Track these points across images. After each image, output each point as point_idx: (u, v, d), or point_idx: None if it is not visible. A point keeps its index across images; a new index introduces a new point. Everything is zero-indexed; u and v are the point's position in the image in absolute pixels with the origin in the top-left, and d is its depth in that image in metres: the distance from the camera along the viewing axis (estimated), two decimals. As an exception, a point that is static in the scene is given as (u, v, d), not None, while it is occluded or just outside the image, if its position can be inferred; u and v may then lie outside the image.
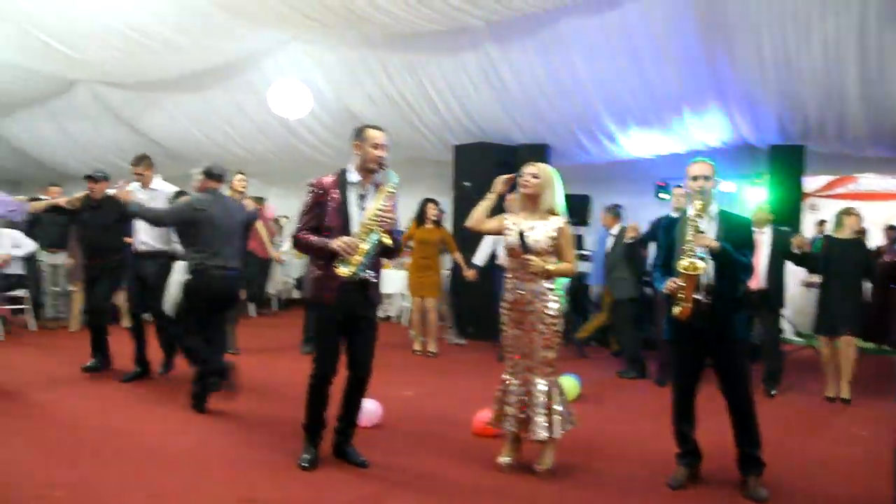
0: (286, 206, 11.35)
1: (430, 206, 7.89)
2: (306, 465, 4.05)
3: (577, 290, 8.40)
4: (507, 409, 4.16)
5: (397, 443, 4.68)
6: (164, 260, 6.23)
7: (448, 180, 9.82)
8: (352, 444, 4.23)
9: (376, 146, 3.98)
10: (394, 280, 9.75)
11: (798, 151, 8.46)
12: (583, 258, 8.49)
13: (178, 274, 5.96)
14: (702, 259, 3.75)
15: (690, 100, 7.94)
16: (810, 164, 8.59)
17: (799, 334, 9.30)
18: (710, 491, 3.98)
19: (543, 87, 8.30)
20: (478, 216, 4.35)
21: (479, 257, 7.85)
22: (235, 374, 5.23)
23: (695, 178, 3.92)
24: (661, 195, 9.61)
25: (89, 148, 13.07)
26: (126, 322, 6.40)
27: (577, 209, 8.47)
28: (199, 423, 4.99)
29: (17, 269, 8.48)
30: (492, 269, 7.78)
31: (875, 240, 9.58)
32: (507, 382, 4.20)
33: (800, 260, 6.52)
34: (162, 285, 6.27)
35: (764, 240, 6.29)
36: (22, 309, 8.66)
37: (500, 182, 4.32)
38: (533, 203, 4.17)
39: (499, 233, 4.30)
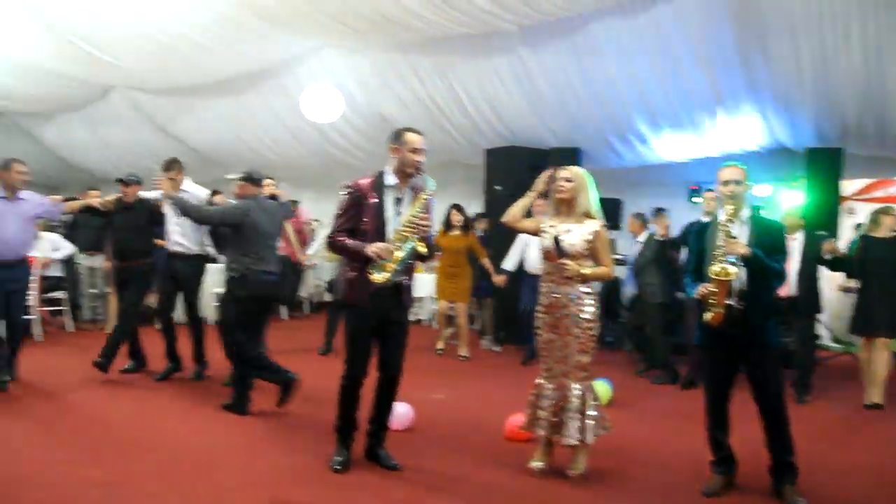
0: (318, 210, 11.41)
1: (454, 212, 7.90)
2: (338, 467, 4.06)
3: (609, 294, 8.34)
4: (541, 413, 4.14)
5: (429, 446, 4.67)
6: (197, 262, 6.32)
7: (479, 184, 9.82)
8: (384, 447, 4.23)
9: (415, 150, 3.97)
10: (424, 283, 9.78)
11: (836, 154, 8.30)
12: (616, 262, 8.42)
13: (213, 277, 6.06)
14: (733, 264, 3.70)
15: (725, 102, 7.83)
16: (848, 166, 8.43)
17: (837, 340, 9.12)
18: (745, 499, 3.92)
19: (575, 90, 8.25)
20: (515, 213, 4.33)
21: (510, 262, 7.83)
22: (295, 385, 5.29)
23: (725, 183, 3.87)
24: (694, 199, 9.51)
25: (124, 153, 13.26)
26: (157, 323, 6.47)
27: (609, 213, 8.37)
28: (232, 424, 5.04)
29: (55, 271, 8.66)
30: (520, 275, 7.77)
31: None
32: (541, 386, 4.18)
33: (832, 265, 6.41)
34: (197, 287, 6.36)
35: (795, 246, 6.19)
36: (60, 310, 8.82)
37: (541, 181, 4.30)
38: (568, 207, 4.15)
39: (534, 233, 4.28)
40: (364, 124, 10.21)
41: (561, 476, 4.10)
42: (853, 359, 7.09)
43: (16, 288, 5.88)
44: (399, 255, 3.88)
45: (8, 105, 12.22)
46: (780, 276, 3.91)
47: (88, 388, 5.94)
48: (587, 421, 4.04)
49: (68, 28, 8.43)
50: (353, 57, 9.17)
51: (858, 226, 9.84)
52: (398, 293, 4.02)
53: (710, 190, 6.68)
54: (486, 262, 8.07)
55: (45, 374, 6.33)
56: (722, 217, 3.82)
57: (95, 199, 6.72)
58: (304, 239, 9.94)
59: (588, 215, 4.13)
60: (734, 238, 3.75)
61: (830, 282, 7.67)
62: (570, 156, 8.74)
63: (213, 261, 8.00)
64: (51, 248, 8.49)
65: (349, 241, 3.97)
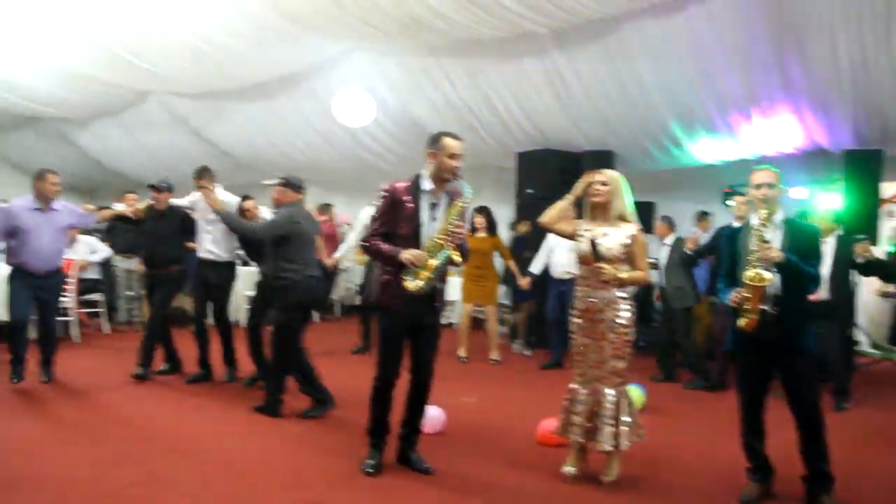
0: (349, 214, 11.46)
1: (477, 216, 7.91)
2: (371, 470, 4.07)
3: (644, 298, 8.26)
4: (575, 418, 4.10)
5: (460, 450, 4.65)
6: (227, 268, 6.38)
7: (511, 187, 9.79)
8: (416, 450, 4.23)
9: (452, 156, 3.95)
10: (456, 287, 9.75)
11: (875, 156, 8.12)
12: (650, 266, 8.35)
13: (245, 281, 6.10)
14: (767, 269, 3.64)
15: (760, 103, 7.71)
16: (889, 168, 8.25)
17: (876, 346, 8.94)
18: (784, 507, 3.85)
19: (608, 92, 8.19)
20: (552, 215, 4.30)
21: (535, 266, 7.82)
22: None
23: (758, 187, 3.81)
24: (728, 202, 9.37)
25: (160, 157, 13.47)
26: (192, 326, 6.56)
27: (642, 217, 8.30)
28: (264, 426, 5.07)
29: (93, 274, 8.80)
30: (545, 280, 7.74)
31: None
32: (576, 392, 4.14)
33: (864, 268, 6.25)
34: (227, 292, 6.41)
35: (827, 250, 6.07)
36: (97, 312, 8.96)
37: (579, 185, 4.28)
38: (603, 211, 4.12)
39: (570, 237, 4.24)
40: (395, 128, 10.24)
41: (593, 482, 4.06)
42: (894, 365, 6.93)
43: (49, 296, 6.01)
44: (433, 262, 3.88)
45: (53, 112, 12.53)
46: (816, 281, 3.83)
47: (123, 389, 6.03)
48: (621, 427, 4.00)
49: (108, 36, 8.63)
50: (384, 60, 9.21)
51: (898, 229, 9.65)
52: (431, 296, 4.01)
53: (740, 194, 6.60)
54: (512, 265, 8.11)
55: (81, 374, 6.45)
56: (755, 221, 3.77)
57: (126, 208, 6.81)
58: (338, 242, 9.98)
59: (623, 219, 4.10)
60: (767, 243, 3.69)
61: (869, 286, 7.52)
62: (603, 159, 8.66)
63: (245, 263, 8.10)
64: (88, 252, 8.64)
65: (384, 246, 3.97)
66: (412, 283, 3.86)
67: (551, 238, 7.48)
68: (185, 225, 6.46)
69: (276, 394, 5.31)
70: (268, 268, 5.48)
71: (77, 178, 15.45)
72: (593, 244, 3.97)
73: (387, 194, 4.02)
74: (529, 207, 8.62)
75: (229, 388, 6.17)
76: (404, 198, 3.98)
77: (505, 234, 9.27)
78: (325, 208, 10.85)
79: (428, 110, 9.58)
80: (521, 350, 8.69)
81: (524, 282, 7.96)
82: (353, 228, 8.25)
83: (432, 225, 3.98)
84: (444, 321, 9.66)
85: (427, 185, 4.00)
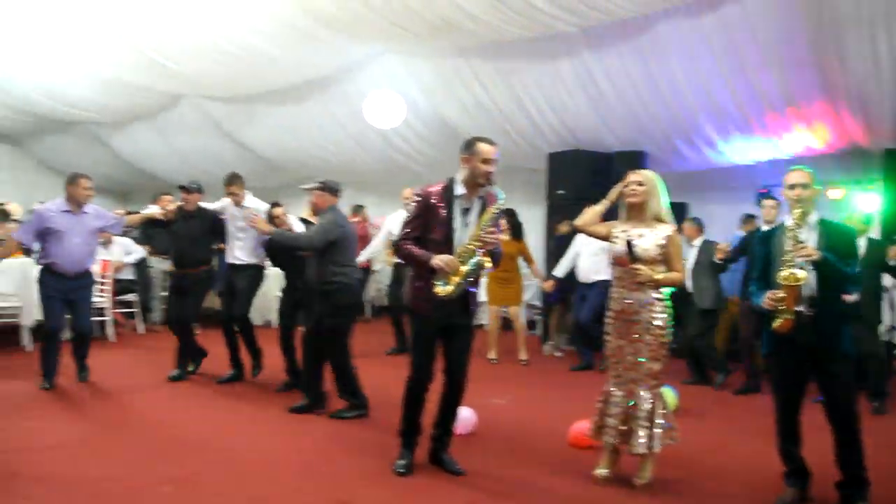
0: (380, 215, 11.48)
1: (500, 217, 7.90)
2: (402, 470, 4.07)
3: (677, 299, 8.17)
4: (609, 420, 4.07)
5: (491, 451, 4.64)
6: (254, 271, 6.45)
7: (541, 188, 9.74)
8: (448, 451, 4.22)
9: (486, 161, 3.93)
10: (484, 289, 9.75)
11: (916, 155, 7.96)
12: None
13: (275, 282, 6.13)
14: (802, 269, 3.58)
15: (796, 102, 7.59)
16: (929, 168, 8.06)
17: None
18: (821, 513, 3.78)
19: (640, 92, 8.11)
20: (588, 218, 4.27)
21: (560, 269, 7.78)
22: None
23: (792, 187, 3.76)
24: (763, 202, 9.21)
25: (193, 160, 13.61)
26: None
27: (675, 218, 8.25)
28: (296, 425, 5.11)
29: (128, 274, 8.94)
30: (571, 283, 7.74)
31: None
32: (610, 393, 4.11)
33: (895, 271, 6.13)
34: (251, 293, 6.47)
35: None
36: (132, 312, 9.09)
37: (616, 189, 4.24)
38: (639, 211, 4.08)
39: (605, 238, 4.20)
40: (426, 129, 10.25)
41: (626, 484, 4.02)
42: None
43: (80, 298, 6.08)
44: (464, 269, 3.87)
45: (91, 116, 12.77)
46: (855, 281, 3.77)
47: (156, 389, 6.13)
48: (655, 430, 3.95)
49: (143, 42, 8.79)
50: (414, 62, 9.22)
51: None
52: (464, 298, 4.01)
53: (771, 198, 6.50)
54: (535, 268, 8.19)
55: (116, 374, 6.56)
56: (789, 222, 3.72)
57: (159, 210, 6.89)
58: (370, 243, 10.01)
59: (658, 219, 4.06)
60: (802, 243, 3.63)
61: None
62: (635, 159, 8.58)
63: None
64: (123, 253, 8.78)
65: (416, 250, 3.97)
66: (443, 289, 3.86)
67: (578, 242, 7.45)
68: (215, 227, 6.53)
69: (315, 390, 5.41)
70: (314, 273, 5.44)
71: (111, 181, 15.67)
72: (629, 245, 3.93)
73: (420, 199, 4.02)
74: (560, 209, 8.57)
75: (262, 389, 6.22)
76: (437, 203, 3.97)
77: (535, 236, 9.24)
78: (358, 209, 10.90)
79: (458, 111, 9.58)
80: (551, 352, 8.65)
81: (547, 285, 7.97)
82: (381, 232, 8.28)
83: (465, 230, 3.97)
84: (475, 322, 9.67)
85: (460, 189, 3.99)
